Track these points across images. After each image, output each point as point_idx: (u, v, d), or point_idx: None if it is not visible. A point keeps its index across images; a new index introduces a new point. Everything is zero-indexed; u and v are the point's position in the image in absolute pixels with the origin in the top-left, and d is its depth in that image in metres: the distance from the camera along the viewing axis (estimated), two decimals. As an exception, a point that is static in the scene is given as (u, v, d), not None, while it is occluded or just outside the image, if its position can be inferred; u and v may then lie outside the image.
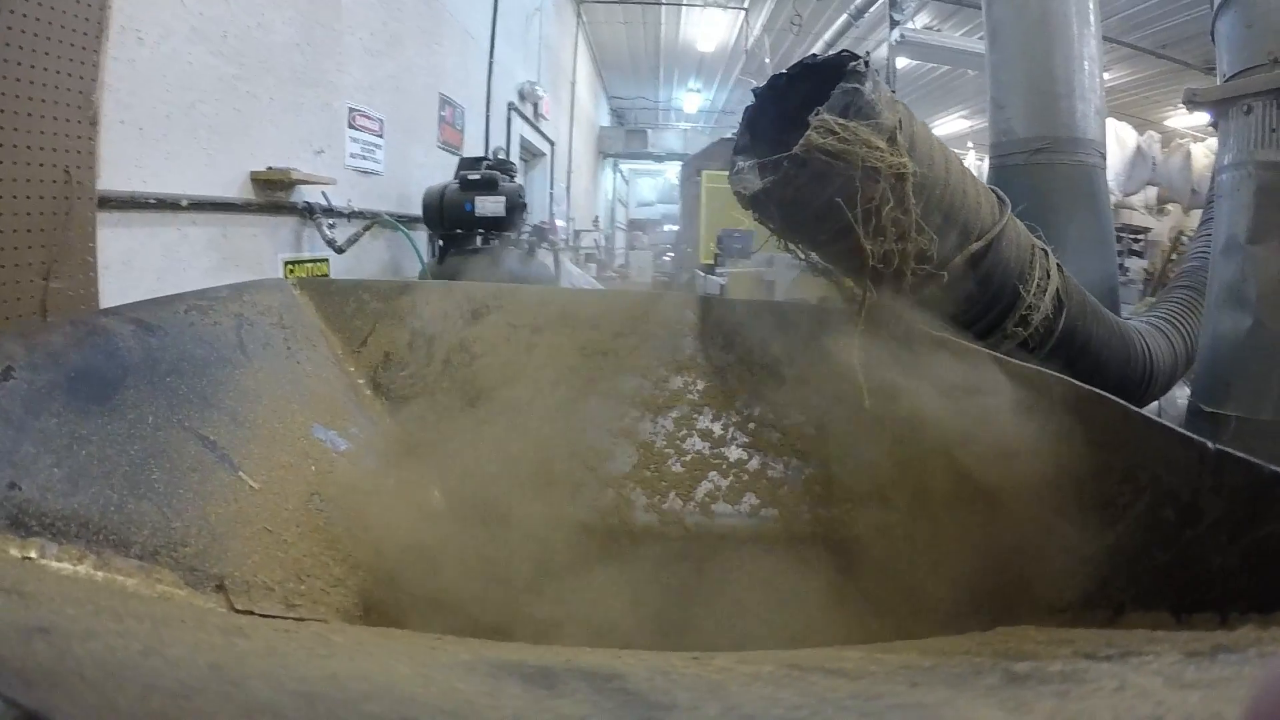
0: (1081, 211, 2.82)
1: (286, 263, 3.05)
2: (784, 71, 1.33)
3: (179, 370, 0.96)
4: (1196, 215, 6.97)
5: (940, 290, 1.35)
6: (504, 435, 1.20)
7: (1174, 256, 5.50)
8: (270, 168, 2.77)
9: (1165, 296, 2.85)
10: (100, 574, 0.63)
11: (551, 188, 9.13)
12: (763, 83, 1.39)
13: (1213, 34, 2.03)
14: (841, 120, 1.12)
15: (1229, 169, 1.93)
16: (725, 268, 7.31)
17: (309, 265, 3.23)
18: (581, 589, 1.00)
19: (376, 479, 1.09)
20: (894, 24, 6.53)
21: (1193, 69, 8.21)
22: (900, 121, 1.21)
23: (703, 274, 7.73)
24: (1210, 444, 0.71)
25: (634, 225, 19.62)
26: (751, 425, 1.34)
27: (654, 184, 23.33)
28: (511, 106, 6.76)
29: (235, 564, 0.74)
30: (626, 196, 22.11)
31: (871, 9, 7.22)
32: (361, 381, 1.33)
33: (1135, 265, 6.02)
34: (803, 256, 1.38)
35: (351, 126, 3.54)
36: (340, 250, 3.30)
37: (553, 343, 1.37)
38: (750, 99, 1.41)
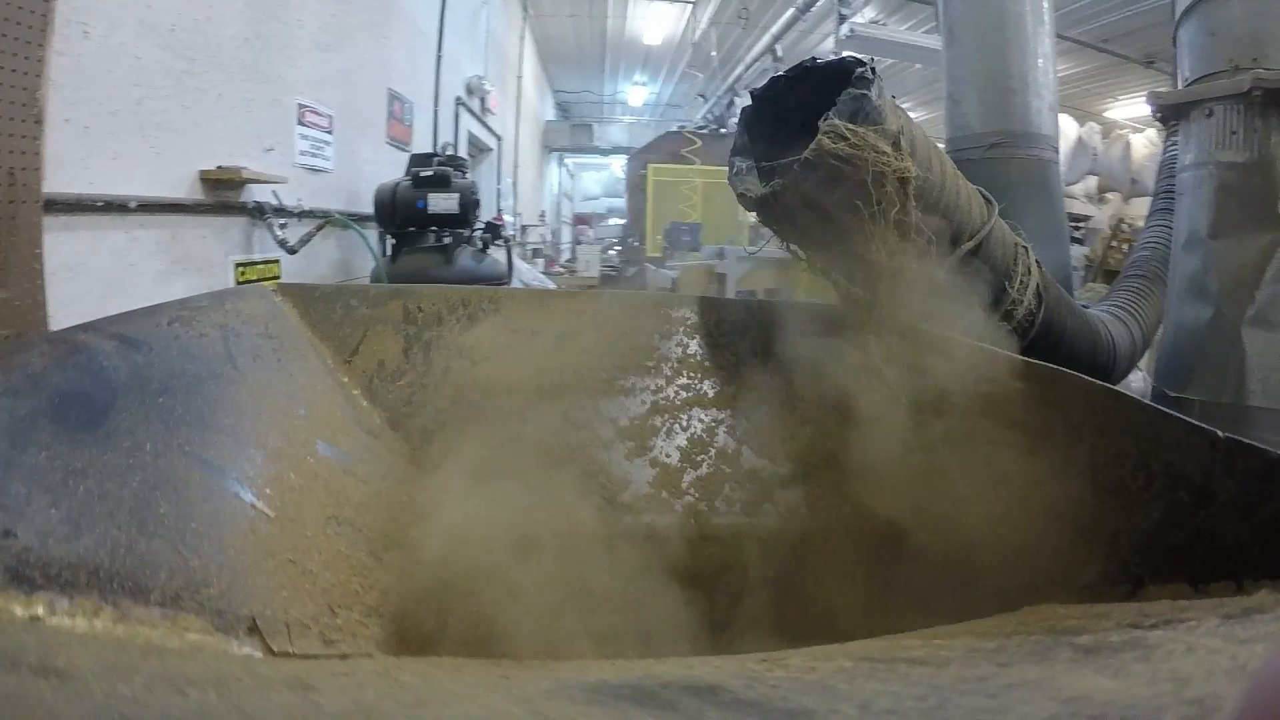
0: (1037, 204, 2.88)
1: (237, 264, 2.92)
2: (782, 74, 1.33)
3: (170, 389, 0.89)
4: (1135, 204, 7.29)
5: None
6: (514, 447, 1.15)
7: (1114, 244, 5.70)
8: (220, 166, 2.66)
9: (1119, 285, 2.95)
10: (121, 628, 0.56)
11: (499, 183, 9.00)
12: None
13: (1174, 39, 2.10)
14: (851, 125, 1.12)
15: (1190, 168, 2.01)
16: (675, 261, 7.30)
17: (260, 267, 3.10)
18: (611, 601, 0.97)
19: (389, 497, 1.03)
20: (842, 19, 6.60)
21: (1133, 62, 8.53)
22: (902, 127, 1.22)
23: (653, 267, 7.69)
24: (1220, 432, 0.77)
25: (579, 219, 19.53)
26: (763, 430, 1.32)
27: (599, 178, 23.28)
28: (459, 101, 6.63)
29: (264, 602, 0.68)
30: (572, 191, 22.00)
31: (819, 3, 7.29)
32: (357, 392, 1.26)
33: (1076, 252, 6.22)
34: (804, 257, 1.37)
35: (301, 123, 3.41)
36: (292, 251, 3.18)
37: (555, 347, 1.33)
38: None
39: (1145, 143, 7.21)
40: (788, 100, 1.34)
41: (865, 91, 1.13)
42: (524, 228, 10.49)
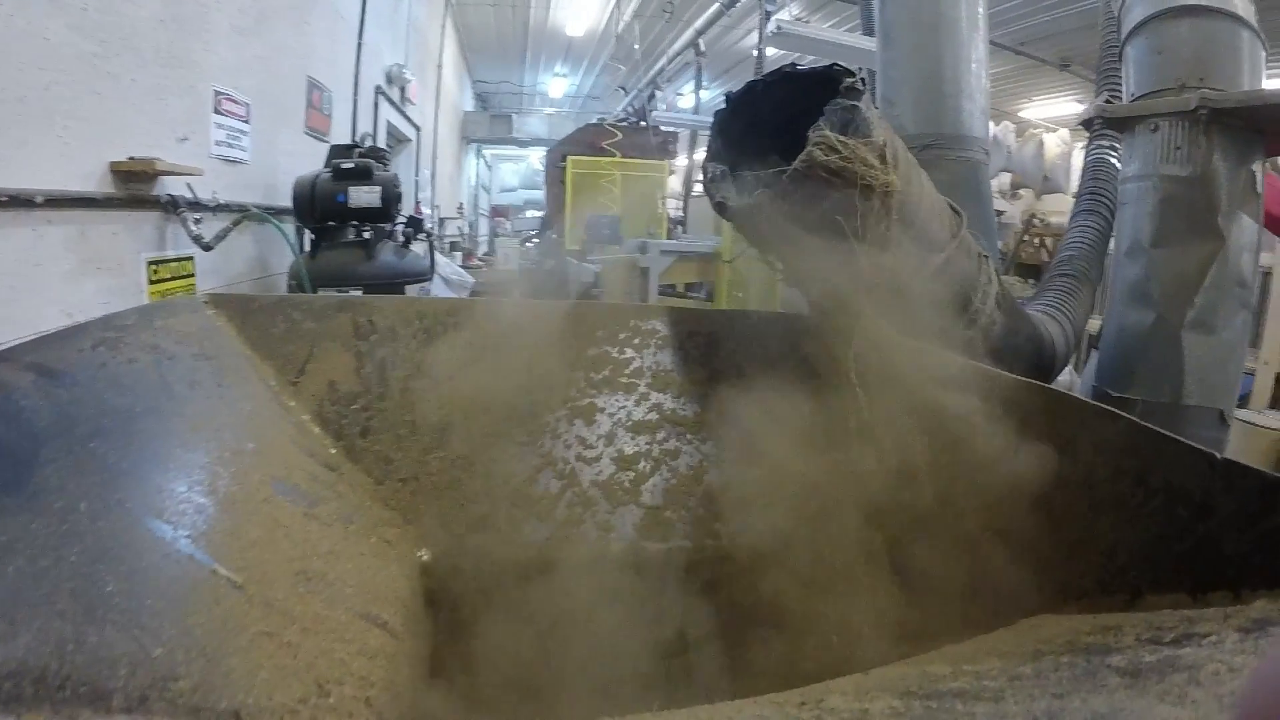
0: (968, 205, 2.91)
1: (150, 263, 2.71)
2: (759, 78, 1.29)
3: (102, 431, 0.77)
4: (1048, 200, 7.63)
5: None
6: (484, 476, 1.06)
7: (1026, 238, 5.95)
8: (132, 158, 2.45)
9: (1047, 284, 3.04)
10: None
11: (417, 175, 8.71)
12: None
13: (1120, 54, 2.17)
14: (842, 137, 1.09)
15: (1134, 180, 2.09)
16: (595, 254, 7.17)
17: (174, 264, 2.90)
18: (614, 648, 0.91)
19: (356, 542, 0.93)
20: (767, 15, 6.63)
21: (1048, 65, 8.91)
22: (886, 139, 1.19)
23: (574, 261, 7.53)
24: (1217, 455, 0.80)
25: (497, 212, 19.17)
26: (745, 448, 1.26)
27: (516, 169, 22.96)
28: (379, 90, 6.37)
29: (244, 689, 0.57)
30: (490, 182, 21.62)
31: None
32: (306, 418, 1.13)
33: (993, 248, 6.45)
34: (780, 268, 1.33)
35: (217, 111, 3.18)
36: (208, 247, 2.98)
37: (523, 364, 1.23)
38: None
39: (1058, 142, 7.58)
40: (762, 105, 1.30)
41: (856, 103, 1.10)
42: (442, 220, 10.20)
